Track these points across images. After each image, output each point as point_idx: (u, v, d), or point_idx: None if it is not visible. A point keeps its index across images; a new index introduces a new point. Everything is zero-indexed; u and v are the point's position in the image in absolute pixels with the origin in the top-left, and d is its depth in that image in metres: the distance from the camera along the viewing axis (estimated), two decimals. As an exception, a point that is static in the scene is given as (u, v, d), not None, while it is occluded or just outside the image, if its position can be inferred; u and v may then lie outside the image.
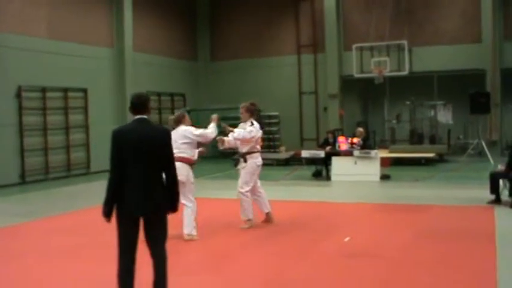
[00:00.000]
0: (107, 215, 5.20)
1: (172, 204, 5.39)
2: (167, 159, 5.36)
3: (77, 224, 10.48)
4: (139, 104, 5.34)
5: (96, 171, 19.54)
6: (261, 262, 7.52)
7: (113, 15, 21.50)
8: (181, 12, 26.13)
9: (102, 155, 20.30)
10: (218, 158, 24.06)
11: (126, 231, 5.20)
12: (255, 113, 9.68)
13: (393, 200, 12.54)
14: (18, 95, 17.40)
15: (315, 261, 7.54)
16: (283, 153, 22.24)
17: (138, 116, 5.32)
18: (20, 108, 17.44)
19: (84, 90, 19.84)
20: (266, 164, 21.30)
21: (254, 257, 7.81)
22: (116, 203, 5.18)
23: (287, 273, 6.98)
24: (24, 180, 17.47)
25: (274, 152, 23.21)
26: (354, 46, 22.35)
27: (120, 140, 5.21)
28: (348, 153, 15.96)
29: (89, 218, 10.13)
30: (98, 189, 12.06)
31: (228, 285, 6.70)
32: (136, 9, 22.19)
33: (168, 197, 5.34)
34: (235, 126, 9.85)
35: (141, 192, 5.17)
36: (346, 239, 8.60)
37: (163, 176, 5.35)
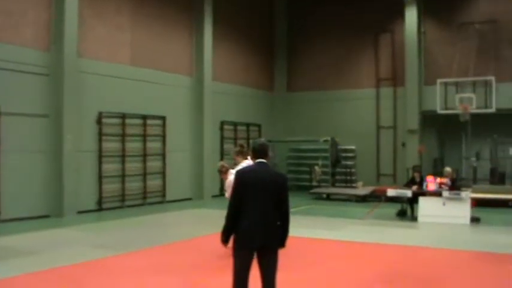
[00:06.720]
0: (225, 241, 5.85)
1: (282, 240, 5.85)
2: (283, 200, 5.80)
3: (161, 262, 10.17)
4: (261, 150, 6.02)
5: (172, 199, 19.46)
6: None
7: (193, 44, 21.55)
8: (259, 43, 26.05)
9: (177, 184, 20.26)
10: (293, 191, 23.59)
11: (241, 261, 5.67)
12: (245, 153, 10.00)
13: (485, 247, 11.53)
14: (99, 121, 17.47)
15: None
16: (360, 189, 21.61)
17: (258, 160, 5.95)
18: (100, 134, 17.49)
19: (163, 118, 19.83)
20: (343, 199, 20.81)
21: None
22: (233, 233, 5.73)
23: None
24: (100, 206, 17.44)
25: (351, 187, 22.60)
26: (439, 81, 21.61)
27: (243, 179, 5.82)
28: (436, 193, 15.26)
29: (170, 257, 9.93)
30: (171, 221, 11.86)
31: None
32: (216, 38, 22.19)
33: (280, 233, 5.80)
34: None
35: (257, 227, 5.65)
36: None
37: (278, 213, 5.80)
